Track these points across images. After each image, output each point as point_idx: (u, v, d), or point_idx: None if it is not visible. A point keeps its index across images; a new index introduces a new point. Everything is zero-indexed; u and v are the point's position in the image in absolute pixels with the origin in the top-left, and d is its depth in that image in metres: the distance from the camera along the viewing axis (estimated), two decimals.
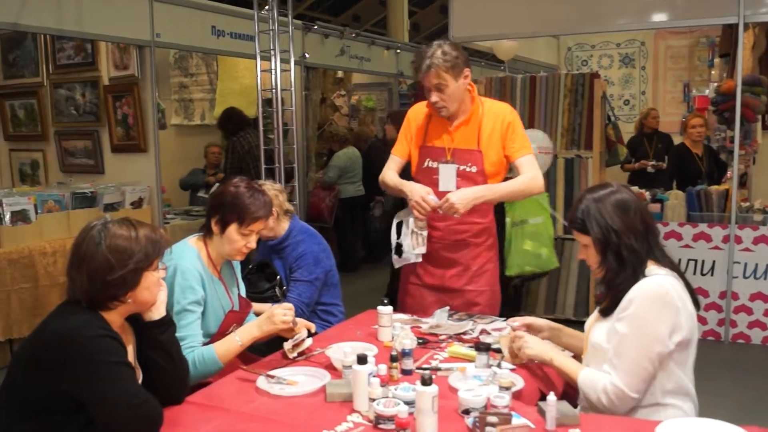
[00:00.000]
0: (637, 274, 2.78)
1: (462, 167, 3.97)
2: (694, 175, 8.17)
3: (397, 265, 4.14)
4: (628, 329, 2.71)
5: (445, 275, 4.12)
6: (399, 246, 4.03)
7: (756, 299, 6.71)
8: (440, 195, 3.87)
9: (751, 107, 7.12)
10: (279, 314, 3.22)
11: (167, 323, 2.78)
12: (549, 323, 3.37)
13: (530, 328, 3.30)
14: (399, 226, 4.07)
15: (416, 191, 3.89)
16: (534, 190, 4.00)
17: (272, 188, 4.22)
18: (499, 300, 4.25)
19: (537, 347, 3.04)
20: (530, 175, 3.96)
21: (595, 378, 2.79)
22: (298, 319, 3.41)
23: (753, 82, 7.23)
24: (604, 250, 2.83)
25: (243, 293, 3.67)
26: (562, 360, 2.98)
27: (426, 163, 4.06)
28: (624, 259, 2.79)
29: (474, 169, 3.95)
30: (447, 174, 3.96)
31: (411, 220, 3.97)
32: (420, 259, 4.06)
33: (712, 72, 9.95)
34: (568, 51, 12.88)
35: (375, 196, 10.33)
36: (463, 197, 3.78)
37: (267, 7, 6.84)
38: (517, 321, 3.35)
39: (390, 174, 4.16)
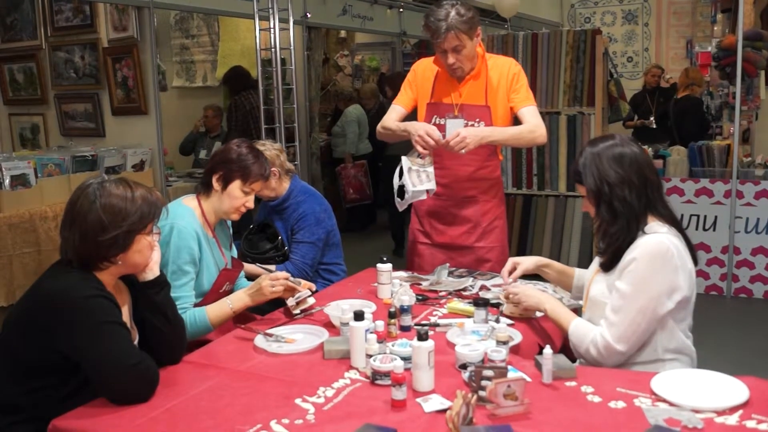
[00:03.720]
0: (632, 227, 2.78)
1: (470, 123, 3.95)
2: (705, 127, 8.26)
3: (400, 208, 4.07)
4: (627, 287, 2.72)
5: (454, 233, 4.13)
6: (401, 188, 3.97)
7: (758, 254, 6.72)
8: (447, 150, 3.81)
9: (752, 62, 7.08)
10: (267, 286, 3.25)
11: (161, 283, 2.77)
12: (536, 259, 3.44)
13: (519, 267, 3.38)
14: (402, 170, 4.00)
15: (420, 126, 3.83)
16: (537, 139, 3.95)
17: (272, 148, 4.22)
18: (508, 256, 4.25)
19: (533, 297, 3.10)
20: (535, 122, 3.93)
21: (586, 329, 2.83)
22: (298, 279, 3.44)
23: (754, 37, 7.18)
24: (597, 202, 2.85)
25: (235, 254, 3.71)
26: (557, 310, 3.01)
27: (434, 120, 4.03)
28: (616, 211, 2.79)
29: (482, 125, 3.93)
30: (454, 129, 3.89)
31: (407, 159, 3.87)
32: (424, 196, 3.93)
33: (715, 28, 9.92)
34: (571, 8, 12.81)
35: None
36: (472, 133, 3.74)
37: None
38: (507, 265, 3.42)
39: (391, 120, 4.11)
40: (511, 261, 3.43)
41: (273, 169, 4.14)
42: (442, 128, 3.97)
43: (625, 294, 2.72)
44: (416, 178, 3.82)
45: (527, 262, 3.40)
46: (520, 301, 3.14)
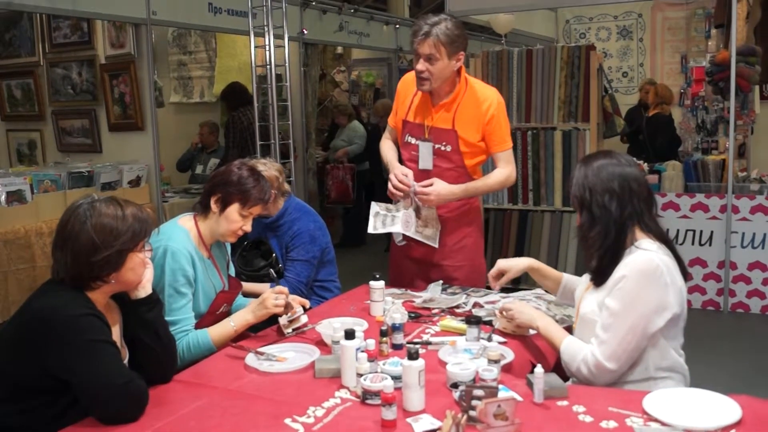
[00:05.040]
0: (609, 233, 2.81)
1: (437, 146, 3.96)
2: (676, 144, 8.41)
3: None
4: (616, 304, 2.73)
5: (422, 249, 4.09)
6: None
7: (754, 268, 6.73)
8: (420, 173, 3.93)
9: (745, 77, 7.10)
10: (271, 299, 3.23)
11: (154, 301, 2.76)
12: (527, 263, 3.44)
13: (507, 272, 3.40)
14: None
15: (398, 169, 3.93)
16: (507, 185, 4.13)
17: (273, 168, 4.20)
18: (483, 274, 4.20)
19: (526, 314, 3.11)
20: (506, 172, 4.01)
21: (577, 347, 2.83)
22: (293, 296, 3.42)
23: (748, 52, 7.21)
24: (580, 208, 2.89)
25: (233, 273, 3.68)
26: (549, 327, 3.02)
27: (406, 138, 4.07)
28: (594, 216, 2.83)
29: (449, 148, 3.94)
30: (425, 151, 3.97)
31: (375, 204, 3.98)
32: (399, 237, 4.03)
33: (709, 43, 9.92)
34: (566, 24, 12.82)
35: None
36: (441, 194, 3.84)
37: None
38: (493, 271, 3.44)
39: (386, 145, 4.24)
40: (498, 267, 3.43)
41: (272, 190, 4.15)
42: (415, 148, 4.02)
43: (614, 312, 2.73)
44: (380, 223, 3.90)
45: (516, 268, 3.40)
46: (513, 317, 3.14)
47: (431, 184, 3.81)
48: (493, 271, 3.43)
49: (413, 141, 4.03)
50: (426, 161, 3.98)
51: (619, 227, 2.80)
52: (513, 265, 3.41)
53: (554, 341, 2.95)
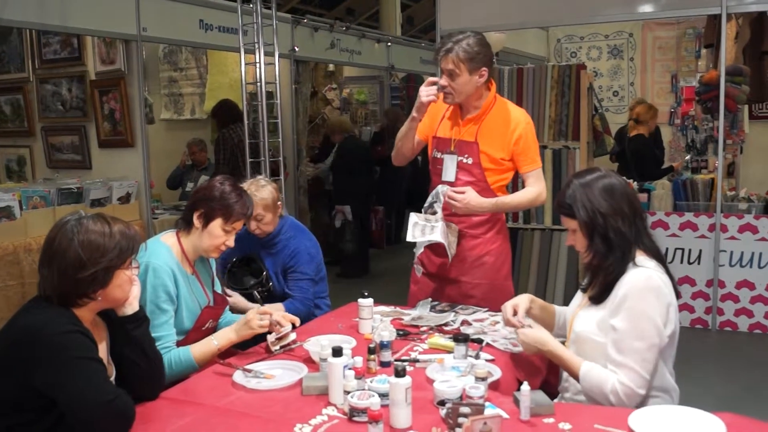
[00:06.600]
0: (626, 258, 2.78)
1: (460, 158, 4.01)
2: (657, 163, 8.42)
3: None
4: (627, 325, 2.70)
5: (442, 264, 4.12)
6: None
7: (742, 287, 6.74)
8: (445, 184, 3.97)
9: (731, 97, 7.13)
10: (256, 320, 3.23)
11: (141, 318, 2.76)
12: (528, 296, 3.25)
13: (519, 309, 3.15)
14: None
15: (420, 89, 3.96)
16: (537, 203, 4.20)
17: (269, 184, 4.21)
18: (507, 295, 3.82)
19: (530, 338, 2.95)
20: (537, 190, 4.04)
21: (602, 378, 2.74)
22: (283, 313, 3.42)
23: (734, 72, 7.24)
24: (591, 234, 2.83)
25: (219, 289, 3.66)
26: (563, 354, 2.90)
27: (434, 153, 4.14)
28: (611, 242, 2.78)
29: (470, 161, 3.99)
30: (449, 164, 4.03)
31: (415, 215, 3.99)
32: (421, 248, 4.07)
33: (699, 62, 9.98)
34: (557, 43, 12.86)
35: (336, 205, 9.66)
36: (470, 203, 3.87)
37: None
38: (508, 312, 3.15)
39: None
40: (510, 305, 3.15)
41: (279, 203, 4.17)
42: (440, 162, 4.07)
43: (628, 333, 2.70)
44: (419, 232, 3.91)
45: (524, 302, 3.18)
46: (522, 339, 2.98)
47: (464, 192, 3.87)
48: (509, 312, 3.14)
49: (439, 155, 4.09)
50: (449, 173, 4.03)
51: (630, 249, 2.80)
52: (520, 300, 3.19)
53: (571, 368, 2.86)
